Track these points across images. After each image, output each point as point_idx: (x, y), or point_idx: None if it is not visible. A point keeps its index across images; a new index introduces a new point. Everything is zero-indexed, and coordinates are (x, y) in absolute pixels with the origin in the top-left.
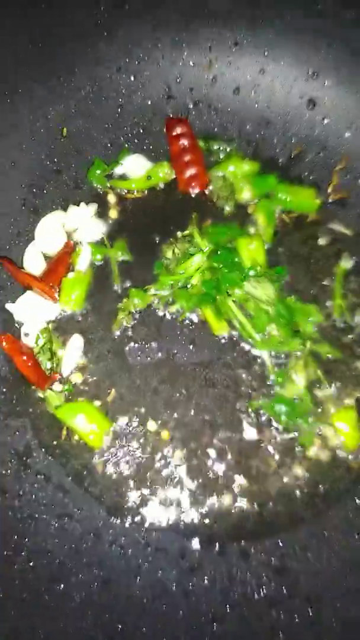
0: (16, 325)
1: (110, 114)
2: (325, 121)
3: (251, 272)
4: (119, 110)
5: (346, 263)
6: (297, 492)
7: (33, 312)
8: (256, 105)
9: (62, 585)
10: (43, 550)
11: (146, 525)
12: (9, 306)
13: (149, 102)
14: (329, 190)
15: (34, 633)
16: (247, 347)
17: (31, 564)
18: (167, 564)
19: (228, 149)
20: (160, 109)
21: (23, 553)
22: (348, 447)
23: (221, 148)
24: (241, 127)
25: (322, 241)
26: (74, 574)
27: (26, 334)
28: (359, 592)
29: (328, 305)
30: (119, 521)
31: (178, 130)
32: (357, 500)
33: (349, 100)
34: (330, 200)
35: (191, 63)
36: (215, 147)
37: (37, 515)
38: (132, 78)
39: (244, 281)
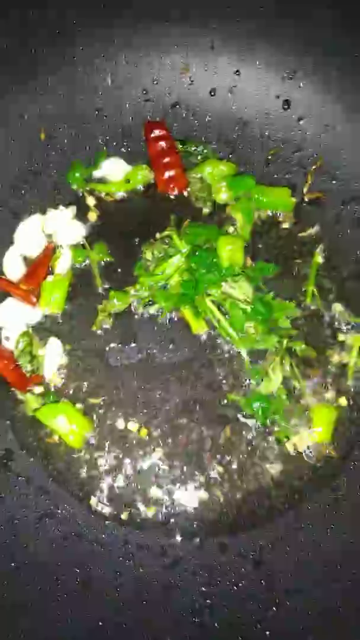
0: None
1: (88, 116)
2: (301, 122)
3: (229, 273)
4: (97, 112)
5: (319, 257)
6: (274, 486)
7: (14, 317)
8: (233, 107)
9: (43, 586)
10: (24, 551)
11: (127, 523)
12: None
13: (127, 105)
14: (305, 190)
15: (13, 633)
16: (225, 345)
17: (12, 565)
18: (148, 561)
19: (205, 151)
20: (138, 111)
21: (4, 555)
22: (321, 441)
23: (199, 150)
24: (219, 128)
25: (297, 239)
26: (56, 574)
27: (6, 338)
28: (335, 583)
29: (303, 300)
30: (99, 520)
31: (156, 132)
32: (332, 493)
33: (324, 101)
34: (306, 200)
35: (168, 65)
36: (193, 149)
37: (18, 517)
38: (109, 80)
39: (222, 281)
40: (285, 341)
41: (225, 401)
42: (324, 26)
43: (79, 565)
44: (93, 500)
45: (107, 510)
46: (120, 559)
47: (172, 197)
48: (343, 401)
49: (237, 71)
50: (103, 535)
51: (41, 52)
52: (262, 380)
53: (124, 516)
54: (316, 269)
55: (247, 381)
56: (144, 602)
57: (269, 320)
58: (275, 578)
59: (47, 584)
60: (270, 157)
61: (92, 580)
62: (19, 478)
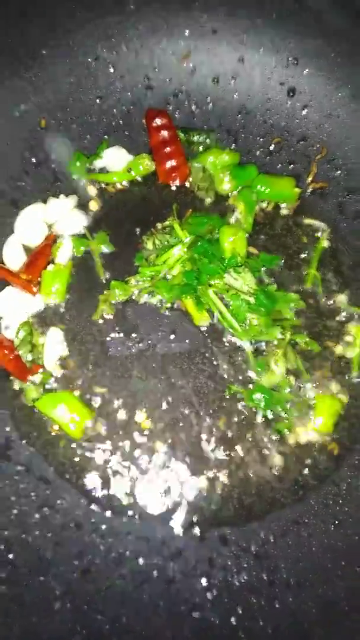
0: None
1: (89, 106)
2: (305, 111)
3: (232, 264)
4: (98, 101)
5: (324, 242)
6: (277, 479)
7: (14, 306)
8: (236, 95)
9: (41, 577)
10: (23, 541)
11: (128, 513)
12: None
13: (128, 93)
14: (308, 180)
15: (12, 625)
16: (228, 336)
17: (10, 556)
18: (148, 552)
19: (208, 140)
20: (139, 100)
21: (2, 546)
22: (323, 432)
23: (201, 139)
24: (221, 116)
25: (300, 230)
26: (54, 565)
27: (6, 327)
28: (337, 577)
29: (306, 290)
30: (100, 510)
31: (158, 121)
32: (335, 487)
33: (328, 89)
34: (309, 190)
35: (170, 52)
36: (195, 138)
37: (17, 507)
38: (111, 68)
39: (225, 272)
40: (288, 333)
41: (227, 393)
42: (328, 12)
43: (78, 557)
44: (93, 491)
45: (107, 500)
46: (120, 550)
47: (173, 187)
48: (345, 394)
49: (241, 58)
50: (103, 526)
51: (41, 42)
52: (264, 372)
53: (124, 507)
54: (319, 255)
55: (250, 373)
56: (144, 595)
57: (272, 311)
58: (277, 572)
59: (46, 575)
60: (273, 147)
61: (91, 571)
62: (19, 467)
